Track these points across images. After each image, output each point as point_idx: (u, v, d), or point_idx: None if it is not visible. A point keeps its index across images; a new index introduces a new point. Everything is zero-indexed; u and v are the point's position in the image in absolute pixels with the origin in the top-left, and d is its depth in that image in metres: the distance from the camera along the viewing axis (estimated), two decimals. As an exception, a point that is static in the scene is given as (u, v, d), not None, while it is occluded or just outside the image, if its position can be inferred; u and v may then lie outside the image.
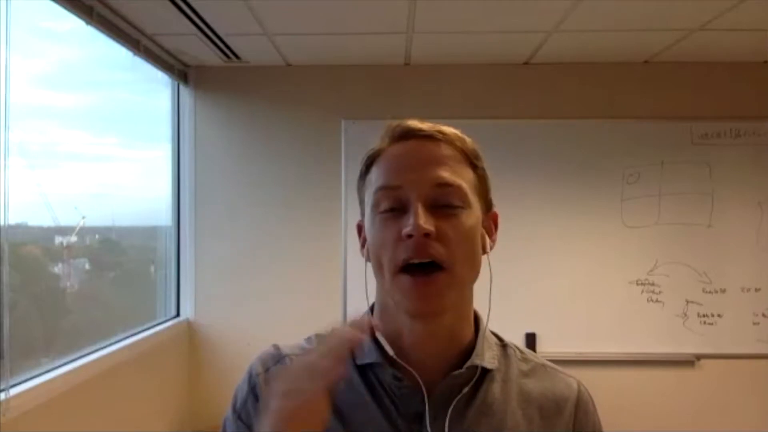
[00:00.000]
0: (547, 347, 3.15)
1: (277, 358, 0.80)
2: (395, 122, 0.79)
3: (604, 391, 3.15)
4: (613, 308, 3.18)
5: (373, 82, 3.26)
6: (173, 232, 3.30)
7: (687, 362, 3.20)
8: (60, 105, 2.39)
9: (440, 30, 2.74)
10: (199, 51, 2.98)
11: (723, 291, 3.18)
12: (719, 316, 3.18)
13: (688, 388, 3.19)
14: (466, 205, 0.74)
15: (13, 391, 1.83)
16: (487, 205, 0.81)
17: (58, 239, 2.39)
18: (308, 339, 0.84)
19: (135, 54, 2.71)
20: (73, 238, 2.46)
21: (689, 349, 3.18)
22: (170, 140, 3.29)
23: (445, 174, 0.74)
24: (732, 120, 3.18)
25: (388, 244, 0.73)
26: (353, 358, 0.78)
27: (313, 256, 3.24)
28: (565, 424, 0.79)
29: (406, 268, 0.71)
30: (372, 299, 0.82)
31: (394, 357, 0.76)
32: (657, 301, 3.19)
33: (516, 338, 3.25)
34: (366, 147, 0.83)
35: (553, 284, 3.18)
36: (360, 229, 0.83)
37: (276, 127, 3.28)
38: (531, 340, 3.15)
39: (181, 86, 3.28)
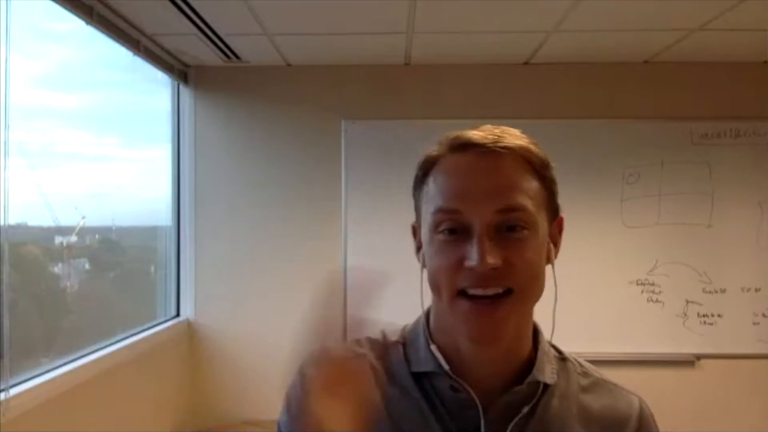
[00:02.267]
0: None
1: (326, 360, 0.75)
2: (455, 132, 0.74)
3: (604, 391, 3.17)
4: (613, 308, 3.18)
5: (373, 82, 3.26)
6: (173, 232, 3.30)
7: (687, 362, 3.20)
8: (60, 105, 2.39)
9: (440, 30, 2.74)
10: (199, 51, 2.98)
11: (723, 291, 3.18)
12: (719, 316, 3.18)
13: (688, 388, 3.19)
14: (531, 226, 0.70)
15: (13, 391, 1.83)
16: (554, 213, 0.76)
17: (58, 239, 2.39)
18: (357, 342, 0.79)
19: (135, 54, 2.71)
20: (73, 238, 2.46)
21: (689, 349, 3.18)
22: (170, 140, 3.29)
23: (510, 197, 0.69)
24: (732, 120, 3.18)
25: (447, 270, 0.69)
26: (408, 365, 0.77)
27: (313, 256, 3.24)
28: None
29: (465, 294, 0.69)
30: (425, 304, 0.80)
31: (450, 373, 0.73)
32: (657, 301, 3.19)
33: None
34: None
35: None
36: (415, 230, 0.80)
37: (276, 127, 3.28)
38: (531, 340, 3.15)
39: (181, 86, 3.28)
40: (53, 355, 2.19)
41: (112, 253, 2.95)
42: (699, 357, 3.19)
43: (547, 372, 0.76)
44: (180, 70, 3.21)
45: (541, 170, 0.74)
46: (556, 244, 0.78)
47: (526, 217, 0.70)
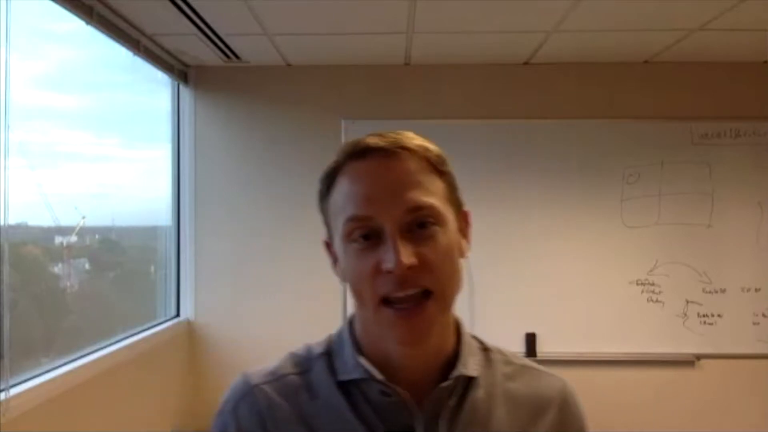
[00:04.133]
0: (547, 347, 3.15)
1: (245, 391, 0.79)
2: (353, 139, 0.75)
3: (604, 391, 3.17)
4: (613, 308, 3.18)
5: (373, 82, 3.26)
6: (173, 232, 3.30)
7: (687, 362, 3.19)
8: (60, 105, 2.39)
9: (440, 30, 2.74)
10: (199, 51, 2.98)
11: (723, 291, 3.18)
12: (719, 316, 3.18)
13: (688, 388, 3.19)
14: (441, 222, 0.71)
15: (13, 391, 1.83)
16: (458, 207, 0.78)
17: (58, 239, 2.39)
18: (280, 360, 0.82)
19: (135, 54, 2.71)
20: (73, 238, 2.46)
21: (689, 349, 3.18)
22: (170, 140, 3.29)
23: (416, 196, 0.70)
24: (732, 120, 3.18)
25: (367, 277, 0.70)
26: (334, 376, 0.77)
27: (312, 257, 3.23)
28: (550, 424, 0.79)
29: (388, 301, 0.70)
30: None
31: (382, 380, 0.74)
32: (657, 301, 3.19)
33: (516, 338, 3.25)
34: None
35: (553, 284, 3.18)
36: (328, 246, 0.81)
37: (276, 127, 3.28)
38: (531, 340, 3.15)
39: (181, 86, 3.28)
40: (53, 355, 2.19)
41: (112, 253, 2.95)
42: (699, 357, 3.19)
43: (470, 365, 0.78)
44: (180, 70, 3.21)
45: (439, 166, 0.75)
46: (466, 237, 0.78)
47: (435, 213, 0.71)
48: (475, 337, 0.84)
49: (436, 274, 0.70)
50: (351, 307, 0.81)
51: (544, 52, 3.02)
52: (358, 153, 0.74)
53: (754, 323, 3.18)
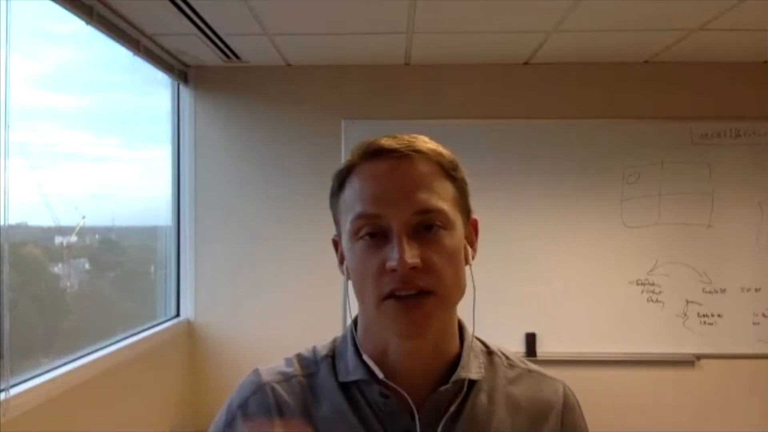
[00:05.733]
0: (547, 347, 3.15)
1: (255, 388, 0.79)
2: (368, 140, 0.76)
3: (604, 391, 3.17)
4: (613, 308, 3.18)
5: (373, 82, 3.26)
6: (173, 232, 3.30)
7: (687, 362, 3.19)
8: (60, 105, 2.39)
9: (440, 30, 2.74)
10: (199, 51, 2.98)
11: (723, 291, 3.18)
12: (719, 316, 3.18)
13: (688, 388, 3.19)
14: (448, 225, 0.73)
15: (13, 391, 1.83)
16: (467, 214, 0.79)
17: (58, 239, 2.39)
18: (288, 360, 0.83)
19: (135, 54, 2.71)
20: (73, 238, 2.46)
21: (689, 349, 3.18)
22: (170, 140, 3.29)
23: (426, 198, 0.71)
24: (732, 120, 3.18)
25: (371, 275, 0.71)
26: (335, 375, 0.78)
27: (313, 256, 3.23)
28: (552, 429, 0.80)
29: (390, 296, 0.71)
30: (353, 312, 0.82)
31: (383, 379, 0.75)
32: (657, 301, 3.19)
33: (516, 338, 3.24)
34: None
35: (553, 284, 3.18)
36: (336, 244, 0.82)
37: (276, 127, 3.28)
38: (531, 340, 3.15)
39: (181, 86, 3.28)
40: (53, 355, 2.19)
41: (112, 253, 2.95)
42: (699, 357, 3.19)
43: (473, 368, 0.79)
44: (180, 70, 3.21)
45: (452, 171, 0.76)
46: (473, 245, 0.80)
47: (443, 218, 0.72)
48: (479, 340, 0.85)
49: (438, 276, 0.70)
50: (352, 308, 0.81)
51: (544, 52, 3.02)
52: (372, 153, 0.75)
53: (754, 323, 3.18)
